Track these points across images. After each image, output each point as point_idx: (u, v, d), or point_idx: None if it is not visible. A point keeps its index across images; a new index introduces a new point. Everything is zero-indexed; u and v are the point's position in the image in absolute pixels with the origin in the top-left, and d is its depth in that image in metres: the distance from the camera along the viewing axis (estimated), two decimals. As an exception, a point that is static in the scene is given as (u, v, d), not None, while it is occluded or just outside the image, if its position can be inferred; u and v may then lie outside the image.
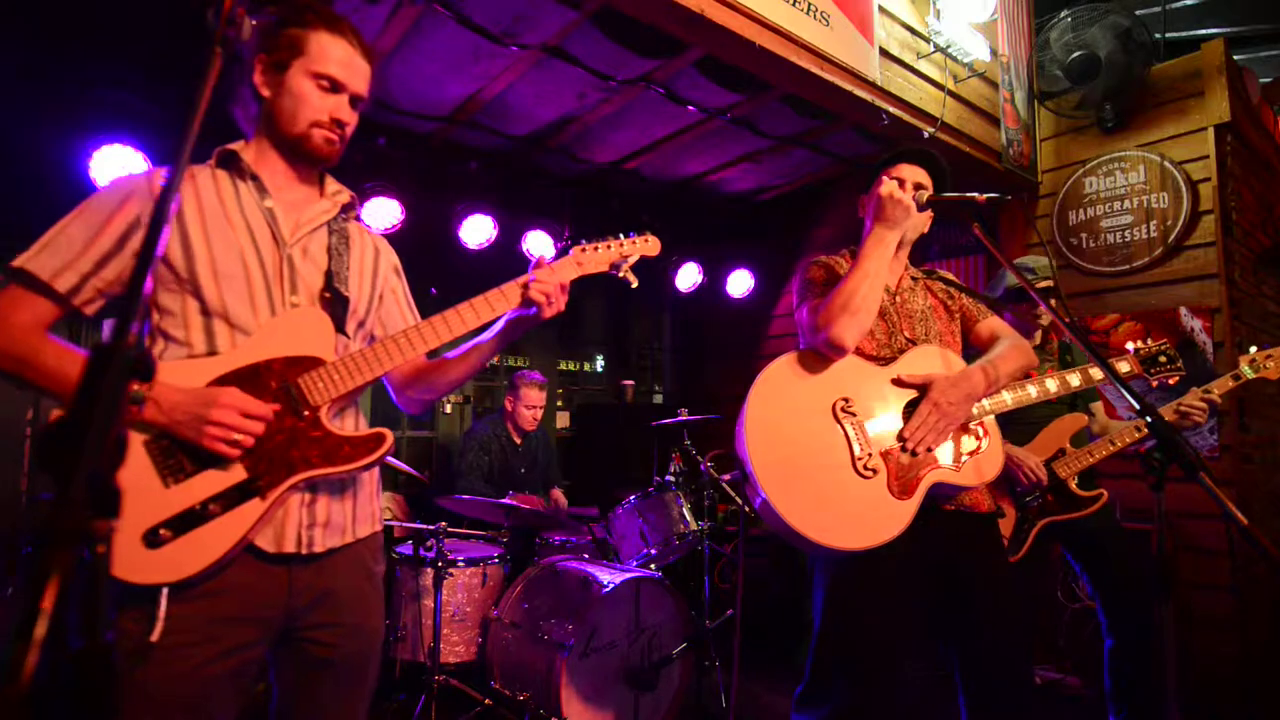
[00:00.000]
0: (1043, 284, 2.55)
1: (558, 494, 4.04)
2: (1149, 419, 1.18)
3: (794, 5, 2.60)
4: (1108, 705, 2.53)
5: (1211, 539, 3.11)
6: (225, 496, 1.10)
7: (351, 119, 1.30)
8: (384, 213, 3.50)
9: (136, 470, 1.08)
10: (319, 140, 1.26)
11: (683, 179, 4.45)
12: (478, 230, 3.81)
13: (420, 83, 3.22)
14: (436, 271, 3.93)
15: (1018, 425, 2.48)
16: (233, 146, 1.26)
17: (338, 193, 1.37)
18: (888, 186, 1.69)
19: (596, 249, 1.48)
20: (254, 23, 0.77)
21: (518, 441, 3.86)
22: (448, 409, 4.66)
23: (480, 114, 3.51)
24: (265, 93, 1.24)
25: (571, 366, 5.45)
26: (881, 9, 2.99)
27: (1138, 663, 2.41)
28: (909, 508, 1.60)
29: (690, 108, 3.43)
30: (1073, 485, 2.41)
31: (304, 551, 1.18)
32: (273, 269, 1.22)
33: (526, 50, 2.90)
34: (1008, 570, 1.80)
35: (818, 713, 1.65)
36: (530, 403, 3.79)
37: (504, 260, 3.85)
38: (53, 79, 2.93)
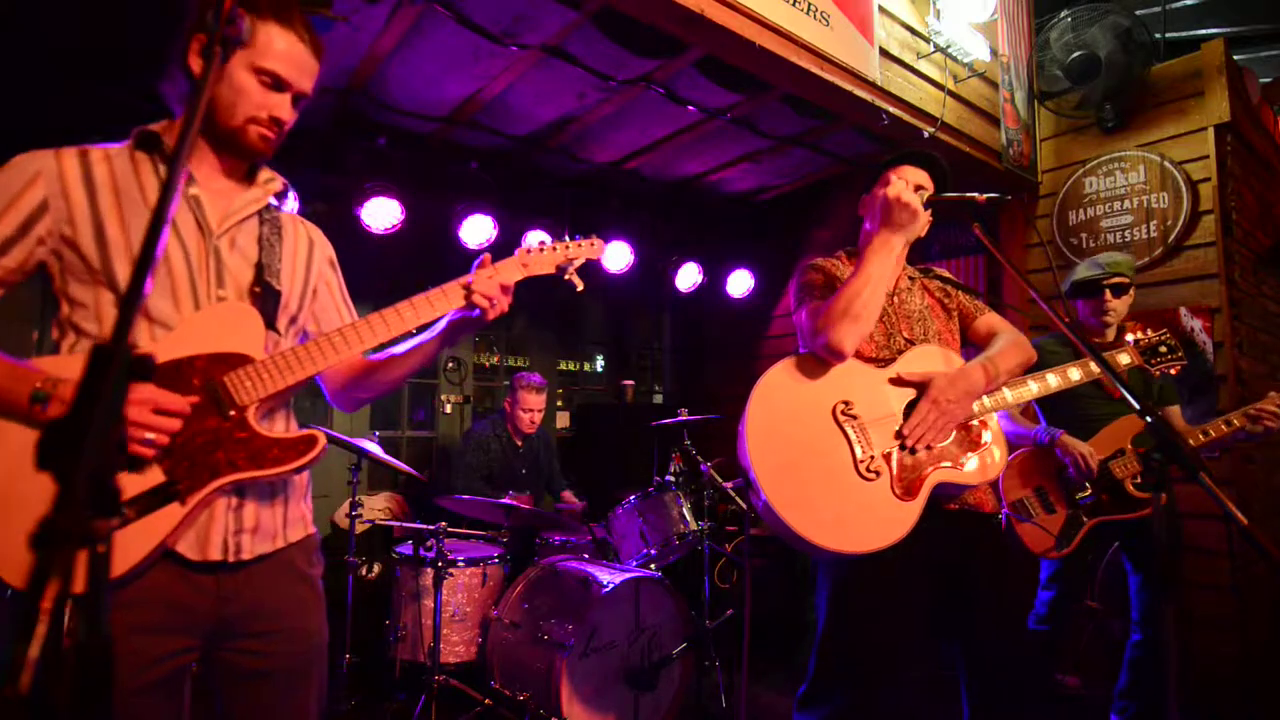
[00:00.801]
0: (1114, 280, 2.50)
1: (569, 496, 4.04)
2: (1148, 419, 1.18)
3: (794, 5, 2.59)
4: (1114, 703, 2.53)
5: (1211, 539, 3.11)
6: (140, 501, 1.03)
7: (291, 118, 1.22)
8: (384, 213, 3.50)
9: (40, 474, 1.00)
10: (254, 137, 1.18)
11: (683, 179, 4.45)
12: (478, 230, 3.81)
13: (420, 83, 3.22)
14: (436, 271, 3.93)
15: (1077, 423, 2.47)
16: (154, 127, 1.17)
17: (270, 180, 1.28)
18: (896, 187, 1.65)
19: (542, 250, 1.46)
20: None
21: (518, 443, 3.86)
22: (448, 409, 4.66)
23: (480, 114, 3.51)
24: (198, 73, 1.13)
25: (571, 366, 5.45)
26: (881, 9, 2.99)
27: (1158, 661, 2.41)
28: (913, 509, 1.59)
29: (690, 108, 3.43)
30: (1129, 486, 2.38)
31: (231, 559, 1.13)
32: (197, 260, 1.15)
33: (526, 50, 2.90)
34: (1011, 569, 1.79)
35: (819, 713, 1.65)
36: (527, 406, 3.77)
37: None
38: (50, 77, 2.93)
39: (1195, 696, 3.03)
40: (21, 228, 1.07)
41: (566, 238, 1.50)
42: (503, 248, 4.26)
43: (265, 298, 1.20)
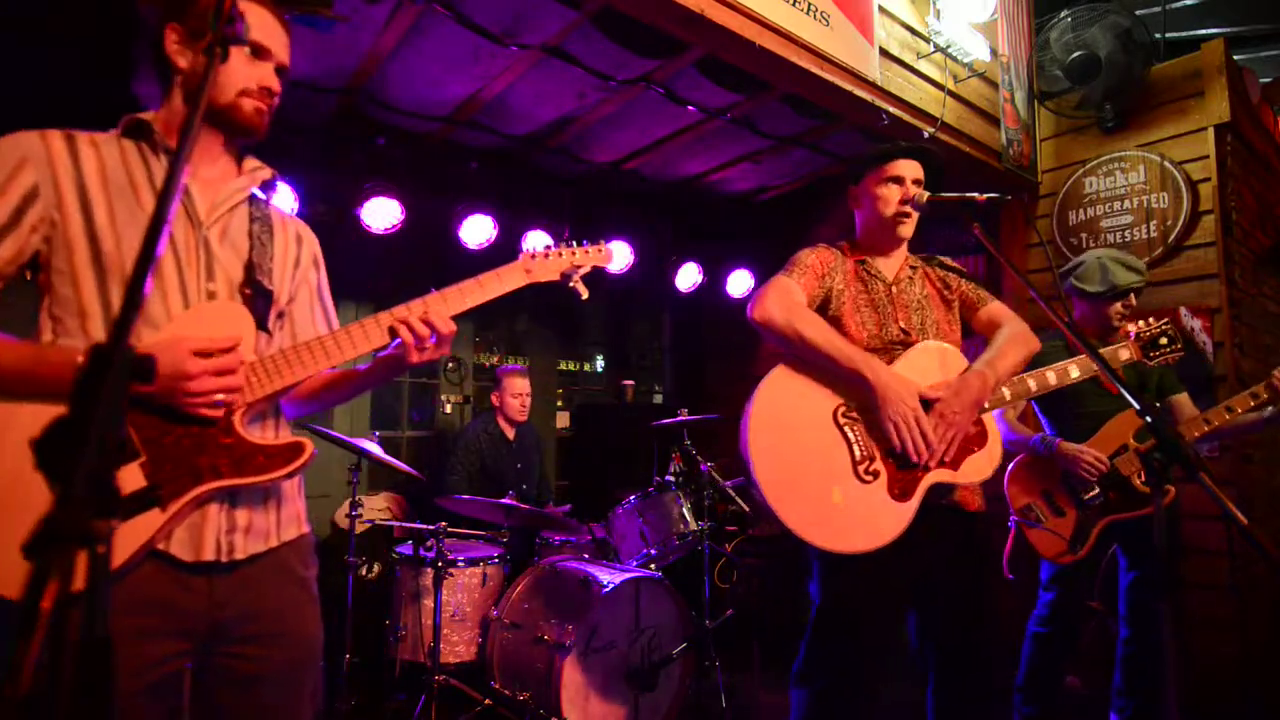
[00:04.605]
0: (1133, 280, 2.47)
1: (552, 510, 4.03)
2: (1148, 419, 1.18)
3: (794, 5, 2.60)
4: (1113, 701, 2.52)
5: (1211, 539, 3.11)
6: (120, 506, 1.04)
7: (278, 89, 1.22)
8: (384, 213, 3.50)
9: (16, 474, 0.96)
10: (249, 110, 1.18)
11: (683, 179, 4.45)
12: (478, 230, 3.81)
13: (420, 83, 3.22)
14: (436, 271, 3.92)
15: (1078, 421, 2.46)
16: (144, 116, 1.16)
17: (257, 169, 1.27)
18: (900, 414, 1.62)
19: (547, 256, 1.43)
20: None
21: (509, 437, 3.85)
22: (448, 409, 4.66)
23: (480, 114, 3.51)
24: (182, 63, 1.16)
25: (571, 366, 5.45)
26: (881, 9, 2.99)
27: (1151, 656, 2.40)
28: (908, 509, 1.62)
29: (690, 108, 3.43)
30: (1136, 482, 2.35)
31: (224, 559, 1.11)
32: (186, 253, 1.13)
33: (526, 50, 2.90)
34: (981, 569, 1.82)
35: (812, 686, 1.72)
36: (516, 390, 3.79)
37: (504, 260, 3.84)
38: (52, 77, 2.93)
39: (1195, 697, 3.03)
40: (14, 215, 1.04)
41: (574, 243, 1.46)
42: (503, 248, 4.28)
43: (256, 298, 1.18)
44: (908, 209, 1.81)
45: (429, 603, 2.87)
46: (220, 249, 1.17)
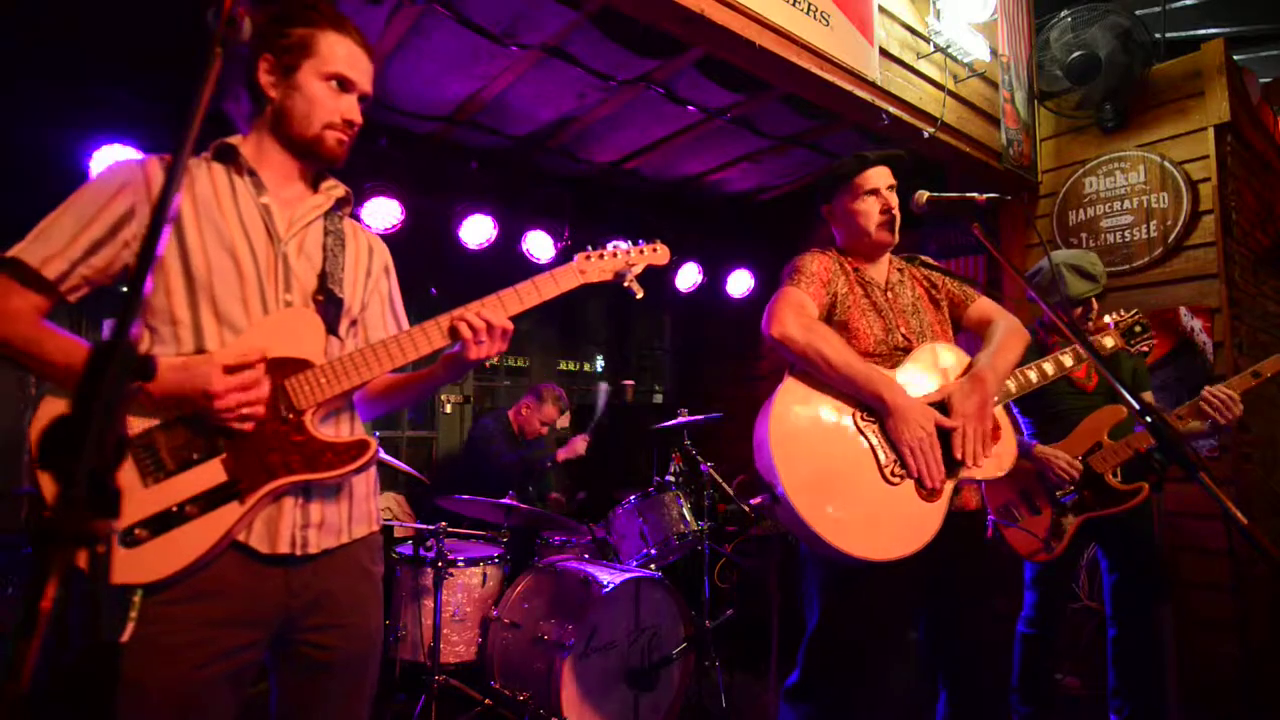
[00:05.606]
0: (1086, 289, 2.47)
1: (556, 496, 4.07)
2: (1148, 418, 1.18)
3: (794, 5, 2.59)
4: (1109, 703, 2.52)
5: (1211, 539, 3.11)
6: (204, 499, 1.09)
7: (359, 120, 1.31)
8: (384, 213, 3.50)
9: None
10: (332, 142, 1.28)
11: (683, 179, 4.45)
12: (478, 230, 3.81)
13: (420, 83, 3.22)
14: (436, 271, 3.93)
15: (1054, 420, 2.47)
16: (231, 140, 1.25)
17: (333, 187, 1.37)
18: (916, 443, 1.59)
19: (602, 257, 1.43)
20: (254, 21, 0.78)
21: (518, 438, 3.88)
22: (447, 409, 4.66)
23: (480, 114, 3.52)
24: (273, 94, 1.24)
25: (571, 366, 5.45)
26: (881, 9, 2.99)
27: (1141, 655, 2.41)
28: (938, 510, 1.59)
29: (690, 108, 3.43)
30: (1110, 479, 2.36)
31: (299, 553, 1.17)
32: (266, 266, 1.21)
33: (526, 50, 2.91)
34: (992, 567, 1.81)
35: (807, 706, 1.66)
36: (547, 419, 3.90)
37: (504, 260, 3.86)
38: (52, 78, 2.93)
39: (1195, 697, 3.03)
40: (111, 230, 1.14)
41: (629, 243, 1.46)
42: (502, 248, 4.26)
43: (328, 305, 1.26)
44: (890, 216, 1.81)
45: (429, 603, 2.87)
46: (297, 262, 1.26)
